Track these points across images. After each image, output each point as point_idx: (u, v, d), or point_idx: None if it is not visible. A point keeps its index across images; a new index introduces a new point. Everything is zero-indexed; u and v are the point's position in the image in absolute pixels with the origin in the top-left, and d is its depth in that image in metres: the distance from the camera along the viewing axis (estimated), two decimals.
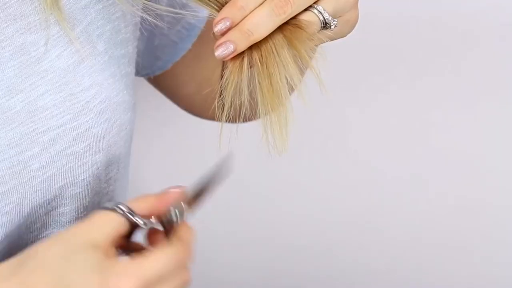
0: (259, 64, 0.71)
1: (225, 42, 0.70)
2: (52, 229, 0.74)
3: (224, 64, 0.92)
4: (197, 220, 1.44)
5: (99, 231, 0.64)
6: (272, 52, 0.71)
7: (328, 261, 1.40)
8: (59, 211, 0.74)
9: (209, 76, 0.93)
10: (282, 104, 0.72)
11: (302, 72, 0.73)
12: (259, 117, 0.74)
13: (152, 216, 0.65)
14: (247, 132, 1.28)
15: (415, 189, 1.34)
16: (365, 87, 1.29)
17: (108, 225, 0.64)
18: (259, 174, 1.36)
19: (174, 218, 0.64)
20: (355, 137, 1.33)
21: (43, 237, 0.74)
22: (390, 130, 1.31)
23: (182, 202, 0.65)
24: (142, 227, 0.65)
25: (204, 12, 0.87)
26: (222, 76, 0.74)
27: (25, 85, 0.70)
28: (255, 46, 0.71)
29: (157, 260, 0.62)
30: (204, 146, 1.32)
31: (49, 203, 0.72)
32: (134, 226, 0.65)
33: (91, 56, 0.73)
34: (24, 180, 0.70)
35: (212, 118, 0.76)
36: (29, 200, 0.70)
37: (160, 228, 0.65)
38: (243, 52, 0.71)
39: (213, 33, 0.71)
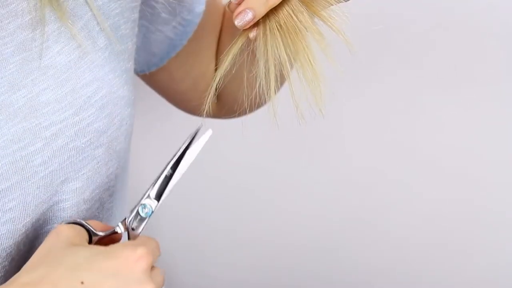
0: (278, 31, 0.72)
1: (244, 10, 0.71)
2: (53, 224, 0.74)
3: (217, 58, 0.93)
4: (197, 221, 1.45)
5: (74, 234, 0.68)
6: (291, 17, 0.72)
7: (327, 261, 1.40)
8: (60, 206, 0.74)
9: (204, 71, 0.93)
10: (308, 47, 0.72)
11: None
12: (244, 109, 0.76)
13: (119, 224, 0.71)
14: (247, 133, 1.29)
15: (414, 189, 1.34)
16: (363, 89, 1.29)
17: (78, 230, 0.69)
18: (259, 174, 1.36)
19: (143, 215, 0.71)
20: (354, 138, 1.33)
21: (44, 232, 0.75)
22: (390, 131, 1.31)
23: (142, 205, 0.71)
24: (98, 235, 0.71)
25: (200, 7, 0.89)
26: (216, 68, 0.75)
27: (27, 81, 0.70)
28: (271, 14, 0.72)
29: (147, 239, 0.69)
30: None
31: (50, 199, 0.73)
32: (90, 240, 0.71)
33: (92, 51, 0.74)
34: (27, 176, 0.70)
35: (206, 115, 0.77)
36: (33, 197, 0.71)
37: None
38: (258, 22, 0.72)
39: (229, 4, 0.72)
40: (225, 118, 0.94)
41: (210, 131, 0.73)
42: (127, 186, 0.85)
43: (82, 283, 0.62)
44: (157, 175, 0.72)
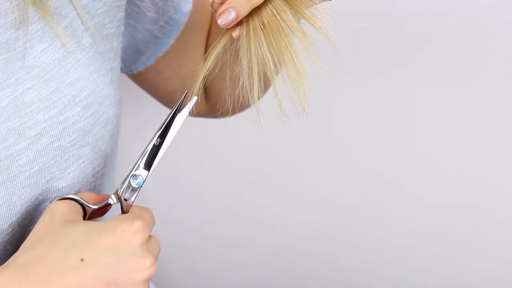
0: (261, 30, 0.72)
1: (227, 9, 0.71)
2: None
3: (205, 56, 0.93)
4: (197, 221, 1.44)
5: (68, 211, 0.68)
6: (275, 16, 0.72)
7: (327, 261, 1.40)
8: (46, 205, 0.74)
9: (192, 70, 0.93)
10: (291, 46, 0.72)
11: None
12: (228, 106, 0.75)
13: (112, 195, 0.72)
14: (246, 134, 1.29)
15: (413, 189, 1.34)
16: (350, 87, 1.29)
17: (71, 206, 0.69)
18: (259, 175, 1.36)
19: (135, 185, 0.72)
20: (353, 138, 1.32)
21: (30, 230, 0.75)
22: (378, 129, 1.31)
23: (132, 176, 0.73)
24: (92, 208, 0.72)
25: (187, 6, 0.89)
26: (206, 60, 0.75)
27: (11, 81, 0.70)
28: (255, 13, 0.72)
29: (141, 210, 0.71)
30: (191, 141, 1.32)
31: (36, 198, 0.73)
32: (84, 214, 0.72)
33: (76, 50, 0.74)
34: (12, 175, 0.70)
35: (194, 114, 0.78)
36: (18, 196, 0.71)
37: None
38: (241, 21, 0.72)
39: (212, 3, 0.72)
40: (209, 117, 0.95)
41: (195, 98, 0.74)
42: (115, 185, 0.85)
43: (81, 260, 0.63)
44: (146, 145, 0.73)
